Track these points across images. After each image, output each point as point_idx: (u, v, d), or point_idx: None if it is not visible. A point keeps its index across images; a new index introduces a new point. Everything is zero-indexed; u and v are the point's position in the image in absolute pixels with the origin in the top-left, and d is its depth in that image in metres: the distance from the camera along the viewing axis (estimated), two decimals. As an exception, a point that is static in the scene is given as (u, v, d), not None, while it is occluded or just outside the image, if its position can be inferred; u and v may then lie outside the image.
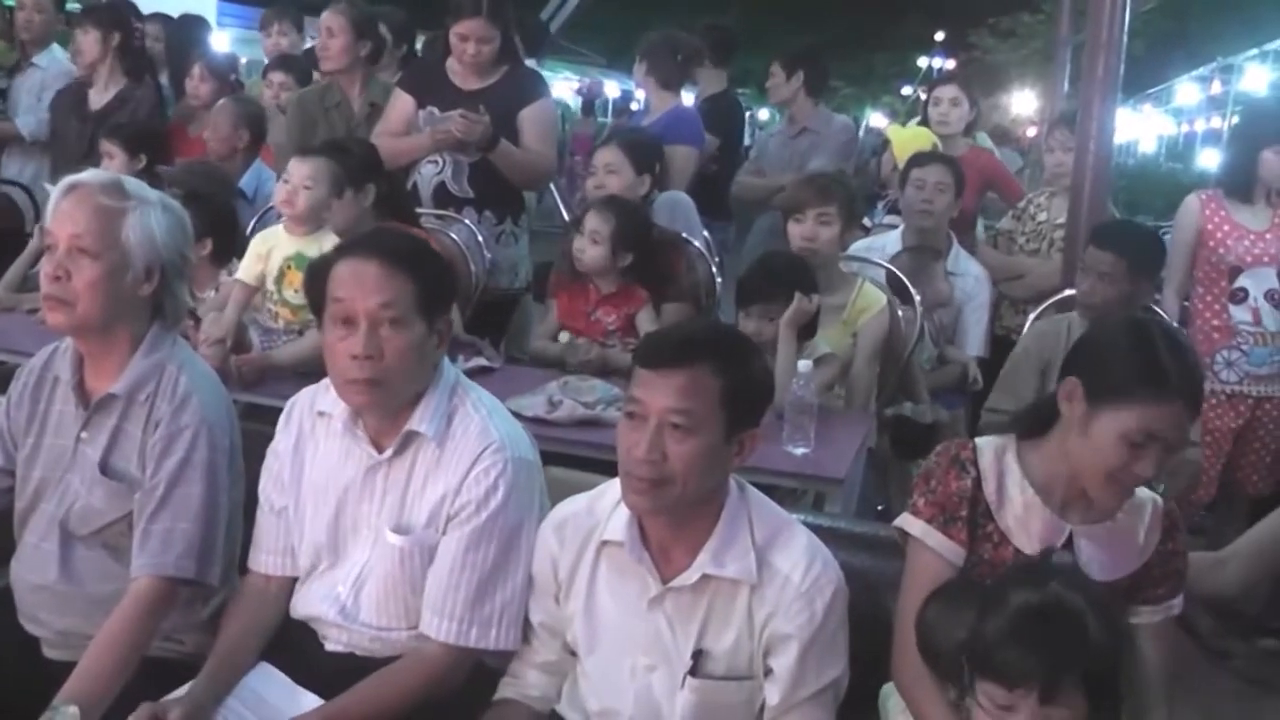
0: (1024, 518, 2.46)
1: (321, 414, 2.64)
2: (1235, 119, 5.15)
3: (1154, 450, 2.31)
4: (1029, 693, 1.99)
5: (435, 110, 5.02)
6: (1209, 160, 16.92)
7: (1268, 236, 4.75)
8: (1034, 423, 2.52)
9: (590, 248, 4.34)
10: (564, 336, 4.36)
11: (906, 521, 2.52)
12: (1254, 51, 15.41)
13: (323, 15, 5.54)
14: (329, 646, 2.64)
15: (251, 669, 2.59)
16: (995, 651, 2.03)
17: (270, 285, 4.06)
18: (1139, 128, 28.14)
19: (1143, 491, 2.47)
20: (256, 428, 2.86)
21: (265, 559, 2.71)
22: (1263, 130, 4.83)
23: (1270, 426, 4.85)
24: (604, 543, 2.42)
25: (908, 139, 5.88)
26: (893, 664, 2.45)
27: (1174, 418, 2.31)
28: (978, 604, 2.16)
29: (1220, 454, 4.80)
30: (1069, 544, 2.45)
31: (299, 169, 4.05)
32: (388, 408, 2.55)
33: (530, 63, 5.73)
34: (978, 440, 2.55)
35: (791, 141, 6.44)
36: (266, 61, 6.71)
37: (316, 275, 2.56)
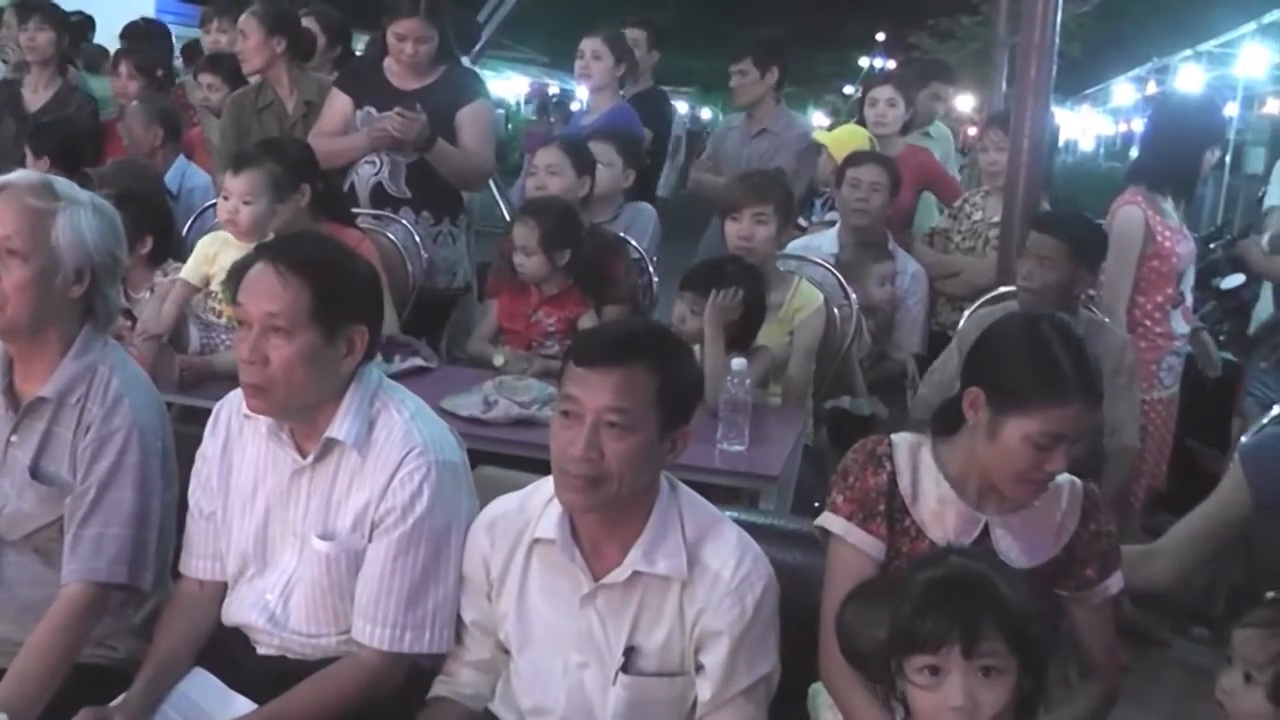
0: (939, 511, 2.48)
1: (248, 416, 2.61)
2: (1163, 117, 5.10)
3: (1061, 447, 2.35)
4: (951, 650, 2.01)
5: (373, 110, 5.00)
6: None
7: (1184, 229, 4.79)
8: (945, 422, 2.55)
9: (526, 261, 4.34)
10: (498, 360, 4.32)
11: (827, 520, 2.53)
12: (1188, 52, 15.59)
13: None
14: (261, 650, 2.63)
15: (186, 674, 2.58)
16: (911, 627, 2.05)
17: (215, 286, 4.03)
18: (1078, 127, 28.47)
19: (1061, 475, 2.49)
20: (191, 430, 2.83)
21: (197, 564, 2.70)
22: (1203, 130, 4.84)
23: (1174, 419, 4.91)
24: (535, 541, 2.42)
25: (844, 139, 5.91)
26: (820, 662, 2.47)
27: (1075, 417, 2.35)
28: (891, 601, 2.18)
29: (1155, 457, 4.82)
30: (985, 535, 2.47)
31: (236, 185, 4.00)
32: (285, 414, 2.54)
33: (466, 61, 5.73)
34: (893, 436, 2.58)
35: (751, 141, 6.37)
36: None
37: (236, 277, 2.55)
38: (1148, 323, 4.69)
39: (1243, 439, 3.07)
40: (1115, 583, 2.56)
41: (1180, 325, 4.78)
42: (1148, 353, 4.65)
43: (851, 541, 2.49)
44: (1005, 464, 2.40)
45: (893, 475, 2.51)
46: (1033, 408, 2.34)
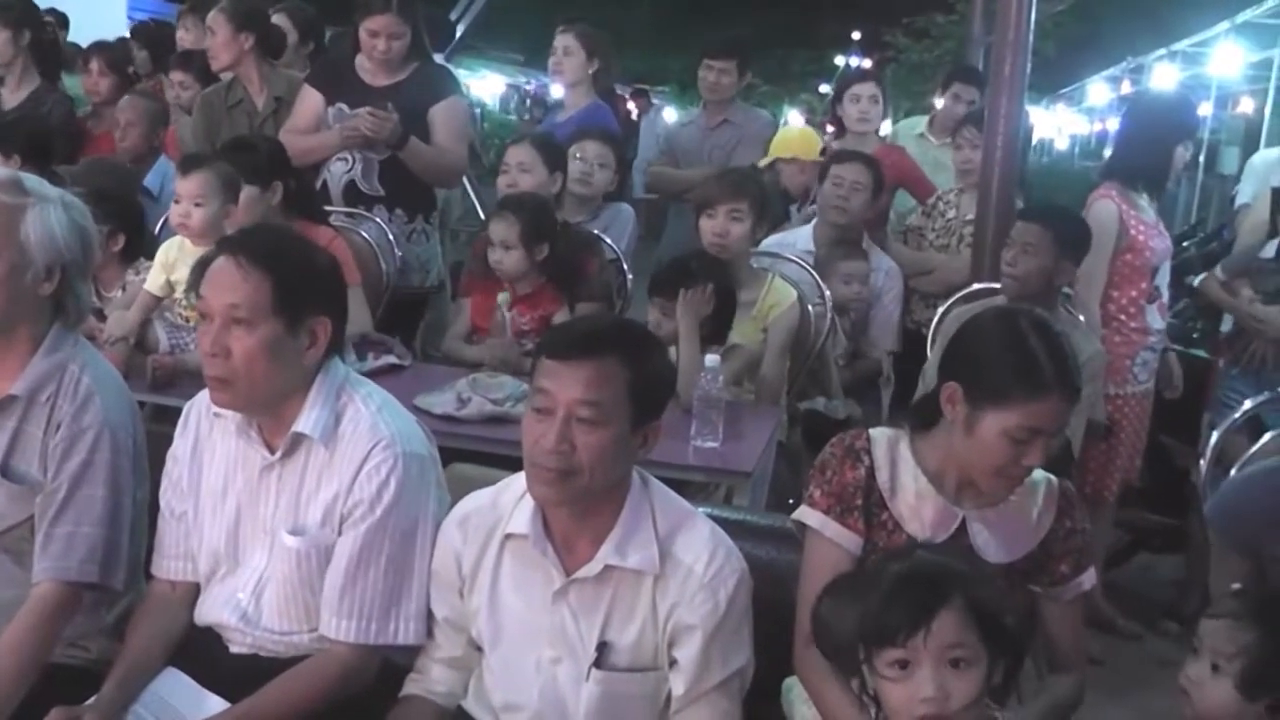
0: (916, 505, 2.49)
1: (218, 415, 2.61)
2: (1137, 114, 5.13)
3: (1039, 442, 2.36)
4: (919, 643, 2.02)
5: (345, 107, 4.98)
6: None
7: (1159, 226, 4.83)
8: (922, 417, 2.56)
9: (505, 256, 4.33)
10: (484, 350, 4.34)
11: (804, 514, 2.54)
12: (1162, 51, 15.67)
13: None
14: (234, 649, 2.61)
15: (158, 674, 2.57)
16: (879, 622, 2.06)
17: (179, 293, 4.01)
18: (1053, 126, 28.56)
19: (1037, 472, 2.51)
20: (164, 430, 2.82)
21: (169, 564, 2.69)
22: (1176, 126, 4.87)
23: (1148, 415, 4.93)
24: (508, 536, 2.41)
25: (793, 139, 5.95)
26: (794, 656, 2.47)
27: (1053, 411, 2.37)
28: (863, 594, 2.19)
29: (1129, 451, 4.85)
30: (963, 529, 2.48)
31: (186, 187, 3.98)
32: (250, 407, 2.53)
33: (439, 59, 5.72)
34: (872, 431, 2.58)
35: (711, 133, 6.36)
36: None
37: (200, 272, 2.54)
38: (1122, 317, 4.72)
39: (1205, 507, 3.04)
40: (1088, 579, 2.57)
41: (1156, 320, 4.80)
42: (1122, 347, 4.67)
43: (828, 536, 2.50)
44: (982, 458, 2.40)
45: (871, 470, 2.51)
46: (1010, 402, 2.35)
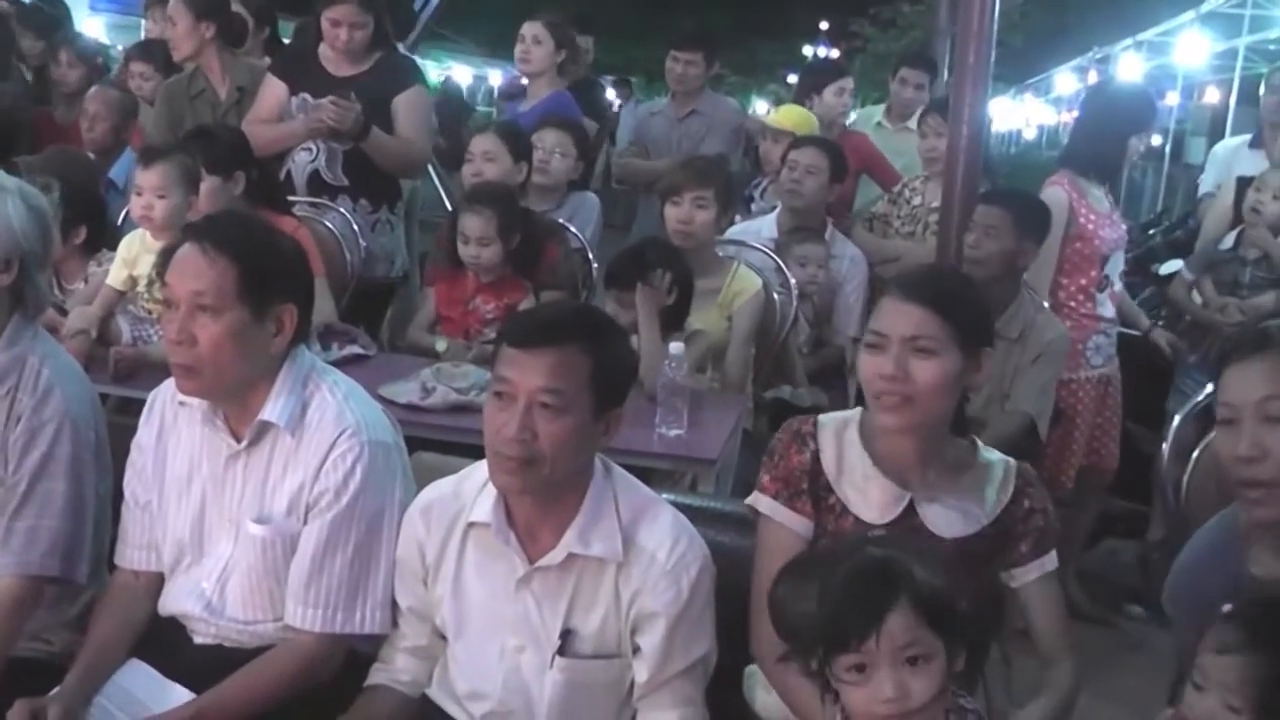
0: (863, 487, 2.48)
1: (183, 404, 2.60)
2: (1093, 105, 5.18)
3: (891, 353, 2.38)
4: (872, 646, 2.01)
5: (308, 96, 4.96)
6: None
7: (1114, 216, 4.88)
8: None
9: (484, 251, 4.32)
10: (440, 345, 4.31)
11: (755, 499, 2.55)
12: (1128, 42, 15.77)
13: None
14: (198, 640, 2.61)
15: (121, 666, 2.57)
16: (831, 629, 2.05)
17: (141, 287, 4.01)
18: (1020, 116, 28.68)
19: (993, 454, 2.52)
20: (127, 421, 2.81)
21: (133, 554, 2.68)
22: (1130, 118, 4.90)
23: (1117, 401, 5.00)
24: (471, 524, 2.41)
25: (794, 117, 5.97)
26: (751, 641, 2.47)
27: (898, 312, 2.43)
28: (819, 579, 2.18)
29: (1086, 435, 4.90)
30: (912, 510, 2.47)
31: (147, 179, 3.96)
32: (215, 395, 2.52)
33: (403, 48, 5.71)
34: (820, 416, 2.59)
35: (679, 123, 6.39)
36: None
37: (165, 258, 2.53)
38: (1072, 304, 4.79)
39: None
40: (1050, 561, 2.54)
41: (1107, 309, 4.86)
42: (1073, 332, 4.71)
43: (779, 520, 2.50)
44: (864, 385, 2.43)
45: (816, 454, 2.51)
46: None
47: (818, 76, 6.74)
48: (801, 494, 2.50)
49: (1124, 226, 4.92)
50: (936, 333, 2.36)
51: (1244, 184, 5.00)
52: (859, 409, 2.57)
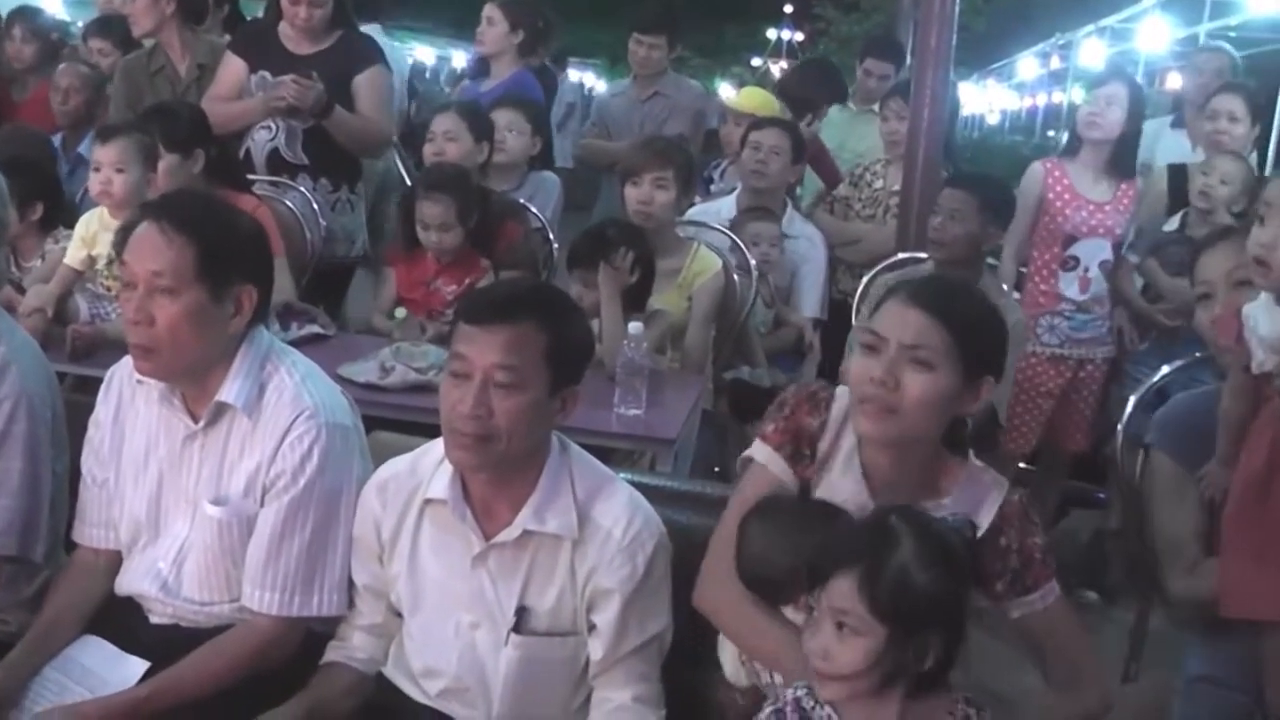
0: (839, 479, 2.39)
1: (140, 381, 2.58)
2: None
3: (883, 356, 2.26)
4: (818, 589, 2.02)
5: (267, 75, 4.93)
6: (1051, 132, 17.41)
7: (1106, 208, 4.93)
8: None
9: (444, 236, 4.33)
10: (400, 312, 4.31)
11: (755, 448, 2.44)
12: (1090, 28, 15.86)
13: None
14: (154, 619, 2.60)
15: (74, 641, 2.56)
16: (813, 561, 2.06)
17: (101, 266, 3.99)
18: (984, 101, 28.79)
19: (987, 477, 2.38)
20: (84, 399, 2.80)
21: (92, 532, 2.67)
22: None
23: (1092, 386, 5.07)
24: (427, 501, 2.41)
25: (759, 99, 5.97)
26: (700, 584, 2.40)
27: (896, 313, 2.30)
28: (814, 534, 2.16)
29: (1041, 411, 5.01)
30: None
31: (105, 154, 3.94)
32: (173, 376, 2.51)
33: (374, 29, 5.69)
34: (839, 388, 2.45)
35: (642, 105, 6.42)
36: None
37: (123, 237, 2.51)
38: (1036, 279, 4.96)
39: (1145, 437, 3.03)
40: (1040, 599, 2.36)
41: (1071, 290, 4.94)
42: (1028, 307, 4.85)
43: (774, 471, 2.40)
44: (850, 386, 2.33)
45: (824, 424, 2.40)
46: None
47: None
48: (804, 457, 2.39)
49: (1124, 221, 4.95)
50: (938, 345, 2.22)
51: (1175, 171, 5.01)
52: None
